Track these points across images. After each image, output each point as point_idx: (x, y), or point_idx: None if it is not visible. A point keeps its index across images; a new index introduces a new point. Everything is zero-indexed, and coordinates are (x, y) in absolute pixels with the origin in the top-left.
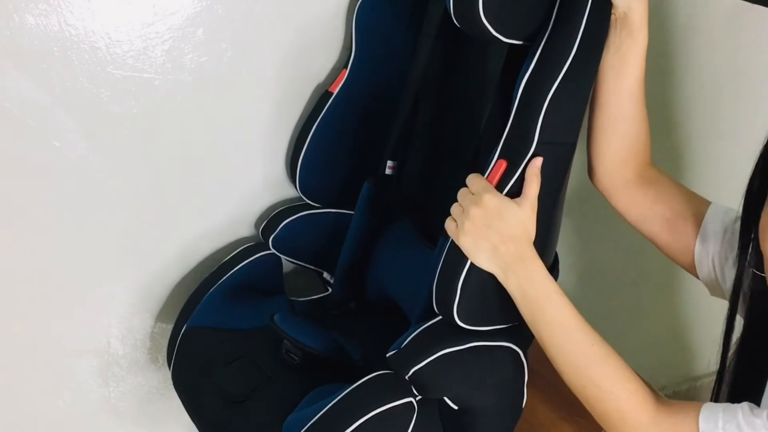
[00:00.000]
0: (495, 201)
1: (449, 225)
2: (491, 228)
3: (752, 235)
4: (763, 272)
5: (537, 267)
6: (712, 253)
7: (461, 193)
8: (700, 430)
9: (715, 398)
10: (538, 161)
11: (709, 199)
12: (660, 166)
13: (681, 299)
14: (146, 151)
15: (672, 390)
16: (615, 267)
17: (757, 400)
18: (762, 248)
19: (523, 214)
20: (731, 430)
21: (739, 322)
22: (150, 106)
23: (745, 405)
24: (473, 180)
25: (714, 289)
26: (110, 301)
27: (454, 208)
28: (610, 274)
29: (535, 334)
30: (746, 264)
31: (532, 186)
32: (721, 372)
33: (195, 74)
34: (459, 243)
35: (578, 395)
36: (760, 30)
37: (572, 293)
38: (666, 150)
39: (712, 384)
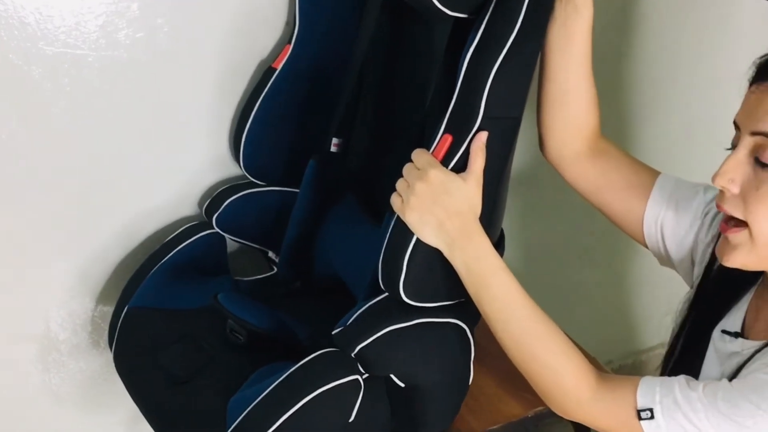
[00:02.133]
0: (441, 176)
1: (395, 201)
2: (437, 203)
3: None
4: None
5: (483, 243)
6: (661, 223)
7: (407, 168)
8: (638, 403)
9: (665, 364)
10: (483, 135)
11: (659, 170)
12: (609, 137)
13: (625, 275)
14: (81, 130)
15: (618, 364)
16: (560, 243)
17: (696, 371)
18: None
19: (469, 188)
20: (668, 403)
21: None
22: (84, 83)
23: (681, 378)
24: (418, 155)
25: (662, 258)
26: (47, 285)
27: (400, 184)
28: (556, 250)
29: (480, 309)
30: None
31: (477, 160)
32: (675, 342)
33: (131, 51)
34: (405, 218)
35: (522, 371)
36: (709, 5)
37: (518, 269)
38: (615, 121)
39: (656, 357)
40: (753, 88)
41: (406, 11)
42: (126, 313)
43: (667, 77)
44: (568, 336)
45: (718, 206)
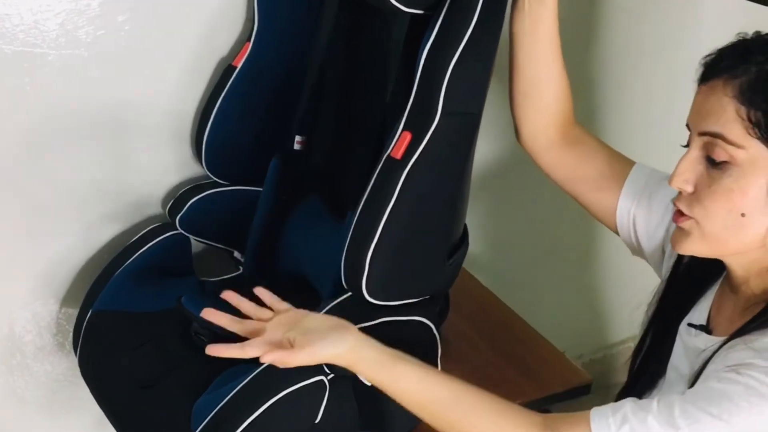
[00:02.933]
0: (291, 314)
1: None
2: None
3: None
4: None
5: (371, 351)
6: (633, 213)
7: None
8: None
9: (634, 357)
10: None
11: (633, 159)
12: (584, 124)
13: (595, 269)
14: (42, 129)
15: (589, 358)
16: (529, 238)
17: (664, 364)
18: None
19: (319, 316)
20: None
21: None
22: (45, 82)
23: (629, 401)
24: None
25: (634, 248)
26: (10, 286)
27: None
28: (525, 245)
29: (407, 408)
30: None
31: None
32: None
33: (92, 49)
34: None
35: None
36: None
37: (488, 265)
38: (589, 109)
39: (627, 350)
40: (699, 88)
41: (364, 7)
42: (90, 316)
43: (631, 71)
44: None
45: (675, 204)
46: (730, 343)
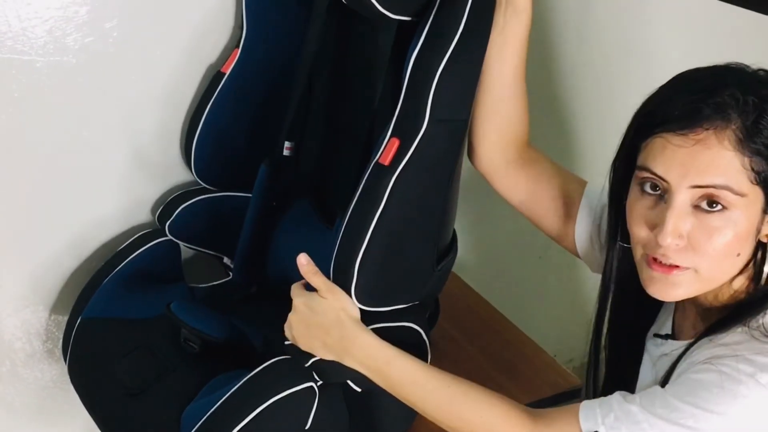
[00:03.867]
0: (302, 301)
1: (288, 335)
2: (311, 326)
3: (620, 213)
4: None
5: (367, 340)
6: (590, 232)
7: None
8: (583, 429)
9: (592, 376)
10: (302, 258)
11: (590, 177)
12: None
13: (584, 274)
14: (30, 136)
15: (579, 362)
16: (520, 242)
17: (633, 379)
18: (628, 226)
19: (329, 301)
20: (610, 422)
21: None
22: (33, 89)
23: (617, 395)
24: (292, 289)
25: (593, 265)
26: None
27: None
28: (515, 250)
29: (397, 397)
30: (617, 240)
31: (315, 279)
32: (596, 349)
33: (80, 56)
34: (300, 347)
35: None
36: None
37: (478, 269)
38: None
39: None
40: (670, 138)
41: (352, 14)
42: (80, 324)
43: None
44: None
45: (656, 260)
46: (697, 344)
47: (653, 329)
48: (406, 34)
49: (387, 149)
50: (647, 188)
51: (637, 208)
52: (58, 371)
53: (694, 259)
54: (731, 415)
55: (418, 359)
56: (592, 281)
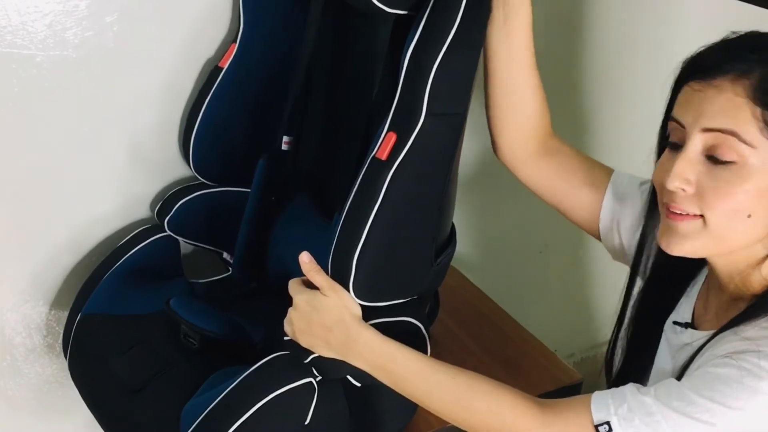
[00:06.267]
0: (304, 298)
1: (287, 330)
2: (313, 323)
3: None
4: None
5: (370, 337)
6: (616, 219)
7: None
8: (594, 419)
9: (610, 356)
10: (305, 256)
11: (610, 166)
12: (562, 133)
13: (585, 268)
14: (29, 131)
15: (580, 357)
16: (520, 237)
17: (649, 365)
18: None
19: (332, 299)
20: (623, 413)
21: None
22: (32, 83)
23: (631, 386)
24: (290, 285)
25: (616, 253)
26: None
27: (287, 315)
28: (516, 244)
29: (402, 393)
30: (652, 222)
31: (318, 277)
32: (617, 330)
33: (79, 50)
34: (300, 343)
35: (466, 429)
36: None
37: (478, 264)
38: (567, 118)
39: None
40: (693, 85)
41: (349, 8)
42: (79, 320)
43: (617, 72)
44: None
45: (669, 206)
46: (719, 336)
47: (672, 316)
48: (402, 29)
49: (384, 144)
50: (673, 140)
51: (661, 160)
52: (59, 366)
53: (701, 206)
54: (748, 411)
55: (421, 353)
56: (592, 276)
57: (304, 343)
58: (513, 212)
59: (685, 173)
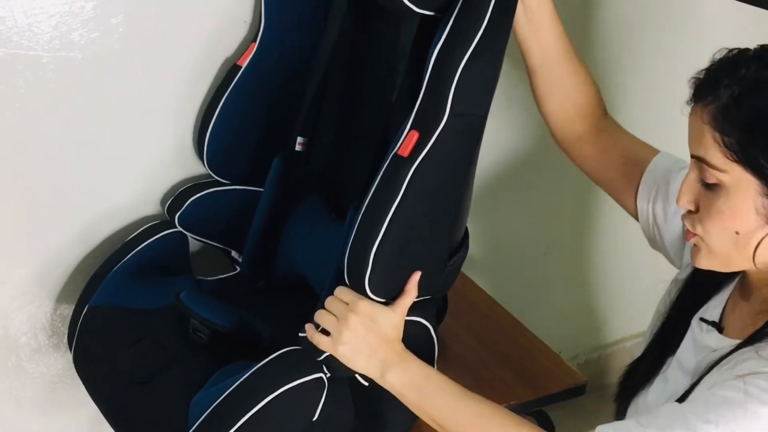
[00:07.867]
0: (369, 307)
1: (320, 339)
2: (370, 332)
3: None
4: None
5: (411, 358)
6: (653, 201)
7: (330, 302)
8: None
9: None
10: (417, 275)
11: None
12: None
13: (589, 271)
14: (37, 132)
15: (584, 358)
16: (526, 240)
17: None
18: None
19: (396, 317)
20: None
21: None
22: (39, 84)
23: (633, 420)
24: (343, 291)
25: (653, 240)
26: (4, 288)
27: (325, 320)
28: (521, 246)
29: (427, 418)
30: None
31: (407, 298)
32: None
33: (86, 51)
34: (336, 353)
35: None
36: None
37: (485, 266)
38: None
39: (621, 351)
40: (689, 110)
41: (374, 9)
42: (86, 312)
43: (630, 76)
44: None
45: (683, 221)
46: (740, 351)
47: (701, 312)
48: (427, 29)
49: (406, 141)
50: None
51: None
52: (64, 366)
53: (699, 228)
54: None
55: (451, 380)
56: (596, 277)
57: (345, 351)
58: (517, 215)
59: (687, 195)
